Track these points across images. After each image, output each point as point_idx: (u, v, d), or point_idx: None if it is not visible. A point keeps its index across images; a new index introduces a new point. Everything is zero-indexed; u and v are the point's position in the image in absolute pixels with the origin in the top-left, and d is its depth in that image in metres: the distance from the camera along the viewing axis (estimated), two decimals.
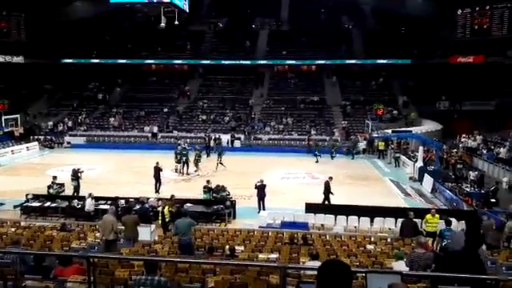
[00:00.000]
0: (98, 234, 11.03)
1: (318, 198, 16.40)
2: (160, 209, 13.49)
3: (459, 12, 36.44)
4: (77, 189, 17.78)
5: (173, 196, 14.54)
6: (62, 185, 17.79)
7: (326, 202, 16.51)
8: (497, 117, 31.33)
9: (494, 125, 29.57)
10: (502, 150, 22.98)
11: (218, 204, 15.54)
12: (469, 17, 36.37)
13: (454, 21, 36.69)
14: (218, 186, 17.21)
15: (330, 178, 17.37)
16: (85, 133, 33.89)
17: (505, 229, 10.95)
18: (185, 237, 9.62)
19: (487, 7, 35.34)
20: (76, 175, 17.91)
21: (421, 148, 23.25)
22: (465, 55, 35.88)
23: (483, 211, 14.90)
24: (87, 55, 40.39)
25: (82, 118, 35.59)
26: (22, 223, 13.60)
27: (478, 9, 35.86)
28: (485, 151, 23.66)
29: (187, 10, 27.26)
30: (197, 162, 23.46)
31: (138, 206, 14.10)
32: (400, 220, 12.88)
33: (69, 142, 32.31)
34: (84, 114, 36.19)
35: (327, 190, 16.67)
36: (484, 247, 7.30)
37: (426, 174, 20.91)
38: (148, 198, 15.32)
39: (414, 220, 12.22)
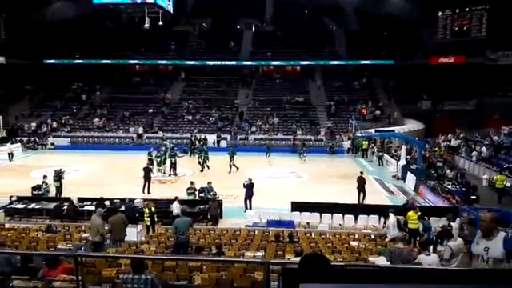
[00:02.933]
0: (84, 235, 11.02)
1: (304, 197, 16.61)
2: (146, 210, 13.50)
3: (440, 14, 37.28)
4: (59, 189, 17.70)
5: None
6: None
7: (362, 196, 17.25)
8: (477, 116, 32.14)
9: (474, 124, 30.34)
10: (483, 148, 23.63)
11: (204, 204, 15.62)
12: (449, 18, 37.23)
13: (435, 22, 37.49)
14: (202, 187, 17.28)
15: (361, 172, 18.28)
16: (69, 134, 33.51)
17: None
18: (183, 235, 9.71)
19: (467, 9, 36.24)
20: (58, 176, 17.82)
21: (403, 147, 23.70)
22: (446, 56, 36.69)
23: (464, 207, 15.31)
24: (70, 56, 39.93)
25: (66, 119, 35.16)
26: (6, 225, 13.45)
27: (458, 11, 36.75)
28: (464, 150, 24.30)
29: (171, 11, 27.26)
30: (204, 162, 23.45)
31: (123, 207, 14.10)
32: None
33: (52, 144, 31.90)
34: (68, 115, 35.77)
35: (361, 185, 17.33)
36: (461, 241, 7.56)
37: (408, 173, 21.35)
38: (134, 199, 15.33)
39: (397, 217, 12.52)
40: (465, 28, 36.48)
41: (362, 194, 17.50)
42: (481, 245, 3.95)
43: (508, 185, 18.55)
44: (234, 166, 23.39)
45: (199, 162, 23.74)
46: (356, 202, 17.04)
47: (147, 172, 18.96)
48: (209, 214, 14.90)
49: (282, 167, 25.13)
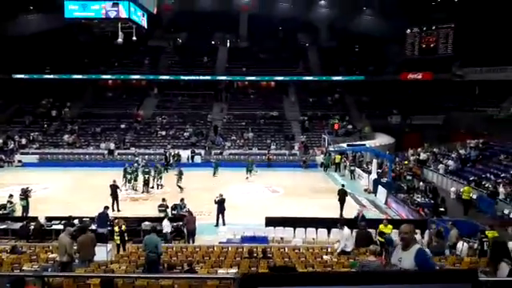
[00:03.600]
0: (51, 255, 10.66)
1: (279, 212, 16.65)
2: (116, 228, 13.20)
3: (408, 31, 38.63)
4: (26, 209, 17.11)
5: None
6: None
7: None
8: (445, 130, 33.24)
9: (443, 138, 31.35)
10: (449, 162, 24.38)
11: (176, 221, 15.39)
12: (417, 36, 38.65)
13: (405, 40, 38.83)
14: (175, 204, 17.08)
15: (343, 185, 19.77)
16: (38, 151, 32.54)
17: (449, 236, 11.63)
18: (152, 253, 9.51)
19: (433, 27, 37.69)
20: (25, 194, 17.24)
21: (374, 161, 24.19)
22: (414, 72, 37.97)
23: (432, 220, 15.69)
24: (40, 70, 39.02)
25: (35, 136, 34.19)
26: None
27: (425, 28, 38.19)
28: (432, 163, 25.04)
29: (146, 26, 27.14)
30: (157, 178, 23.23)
31: (93, 226, 13.76)
32: (355, 230, 13.34)
33: (20, 161, 30.84)
34: (37, 132, 34.80)
35: (342, 198, 18.24)
36: (429, 252, 7.73)
37: (379, 186, 21.75)
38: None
39: (368, 230, 12.71)
40: (432, 45, 37.93)
41: (343, 206, 18.10)
42: (398, 255, 4.09)
43: (474, 197, 19.18)
44: (178, 186, 22.42)
45: (178, 186, 22.62)
46: (334, 216, 17.13)
47: (114, 190, 18.58)
48: (186, 228, 14.59)
49: (256, 182, 25.15)
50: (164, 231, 13.93)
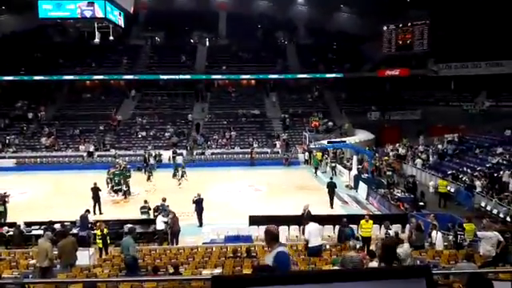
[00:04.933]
0: (32, 261, 10.48)
1: (262, 210, 16.74)
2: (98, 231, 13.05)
3: (385, 28, 39.20)
4: (3, 214, 16.75)
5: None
6: None
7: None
8: (422, 125, 33.95)
9: (421, 132, 32.02)
10: (423, 156, 24.98)
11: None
12: (393, 33, 39.23)
13: (381, 36, 39.40)
14: (157, 205, 16.93)
15: (331, 178, 21.14)
16: (14, 154, 31.69)
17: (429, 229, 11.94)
18: (128, 256, 9.46)
19: (409, 24, 38.34)
20: (2, 200, 16.88)
21: (355, 157, 24.53)
22: (391, 68, 38.56)
23: (412, 214, 16.03)
24: (15, 72, 37.93)
25: (11, 139, 33.33)
26: None
27: (401, 25, 38.81)
28: (410, 158, 25.59)
29: (123, 25, 26.77)
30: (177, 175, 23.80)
31: (75, 230, 13.57)
32: (337, 227, 13.54)
33: None
34: (13, 135, 33.94)
35: (332, 191, 19.43)
36: (407, 245, 7.94)
37: (360, 182, 22.09)
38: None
39: (350, 226, 12.91)
40: (408, 42, 38.57)
41: (332, 199, 19.24)
42: (268, 256, 4.26)
43: (452, 190, 19.70)
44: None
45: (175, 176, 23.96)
46: (318, 213, 17.20)
47: (95, 192, 18.32)
48: (171, 230, 14.36)
49: (240, 181, 25.17)
50: (158, 228, 14.07)
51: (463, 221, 12.72)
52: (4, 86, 38.91)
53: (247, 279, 1.63)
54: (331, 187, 19.49)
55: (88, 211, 14.80)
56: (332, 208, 18.90)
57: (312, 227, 11.10)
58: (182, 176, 23.67)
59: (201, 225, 16.49)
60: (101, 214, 17.82)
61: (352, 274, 1.71)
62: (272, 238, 4.33)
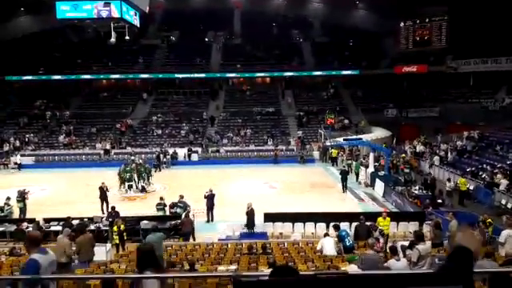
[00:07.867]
0: None
1: (277, 207, 16.67)
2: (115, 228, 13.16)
3: (402, 24, 38.61)
4: (23, 211, 17.06)
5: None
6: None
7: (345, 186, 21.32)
8: (441, 122, 33.33)
9: (439, 130, 31.43)
10: (442, 153, 24.48)
11: (175, 219, 15.36)
12: (411, 29, 38.62)
13: (398, 33, 38.82)
14: (173, 202, 17.01)
15: (344, 166, 23.67)
16: (33, 152, 32.34)
17: (449, 227, 11.68)
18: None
19: (427, 20, 37.69)
20: (22, 196, 17.18)
21: (371, 154, 24.21)
22: (409, 65, 37.96)
23: (431, 211, 15.75)
24: (34, 71, 38.68)
25: (30, 137, 33.99)
26: None
27: (418, 21, 38.18)
28: (428, 155, 25.12)
29: (138, 25, 26.98)
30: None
31: (92, 226, 13.73)
32: (354, 224, 13.36)
33: (15, 163, 30.67)
34: (32, 133, 34.60)
35: (344, 177, 21.34)
36: (429, 244, 7.77)
37: (377, 179, 21.79)
38: (102, 217, 14.96)
39: (367, 223, 12.71)
40: (426, 38, 37.93)
41: (345, 184, 21.21)
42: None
43: (471, 187, 19.27)
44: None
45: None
46: (333, 210, 17.06)
47: (103, 192, 18.46)
48: (182, 230, 14.50)
49: (255, 178, 25.13)
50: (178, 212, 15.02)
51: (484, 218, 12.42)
52: (23, 86, 39.69)
53: (269, 283, 1.58)
54: (344, 173, 21.71)
55: (114, 208, 15.09)
56: (344, 192, 21.21)
57: (327, 241, 10.92)
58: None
59: (209, 220, 16.56)
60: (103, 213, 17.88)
61: (384, 279, 1.60)
62: (31, 243, 4.00)
